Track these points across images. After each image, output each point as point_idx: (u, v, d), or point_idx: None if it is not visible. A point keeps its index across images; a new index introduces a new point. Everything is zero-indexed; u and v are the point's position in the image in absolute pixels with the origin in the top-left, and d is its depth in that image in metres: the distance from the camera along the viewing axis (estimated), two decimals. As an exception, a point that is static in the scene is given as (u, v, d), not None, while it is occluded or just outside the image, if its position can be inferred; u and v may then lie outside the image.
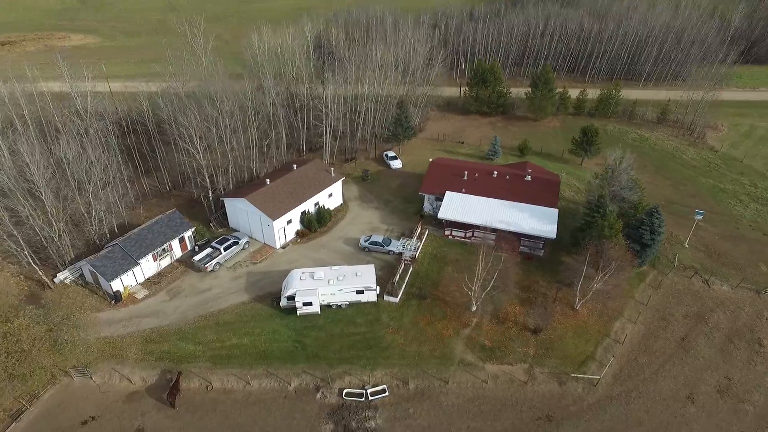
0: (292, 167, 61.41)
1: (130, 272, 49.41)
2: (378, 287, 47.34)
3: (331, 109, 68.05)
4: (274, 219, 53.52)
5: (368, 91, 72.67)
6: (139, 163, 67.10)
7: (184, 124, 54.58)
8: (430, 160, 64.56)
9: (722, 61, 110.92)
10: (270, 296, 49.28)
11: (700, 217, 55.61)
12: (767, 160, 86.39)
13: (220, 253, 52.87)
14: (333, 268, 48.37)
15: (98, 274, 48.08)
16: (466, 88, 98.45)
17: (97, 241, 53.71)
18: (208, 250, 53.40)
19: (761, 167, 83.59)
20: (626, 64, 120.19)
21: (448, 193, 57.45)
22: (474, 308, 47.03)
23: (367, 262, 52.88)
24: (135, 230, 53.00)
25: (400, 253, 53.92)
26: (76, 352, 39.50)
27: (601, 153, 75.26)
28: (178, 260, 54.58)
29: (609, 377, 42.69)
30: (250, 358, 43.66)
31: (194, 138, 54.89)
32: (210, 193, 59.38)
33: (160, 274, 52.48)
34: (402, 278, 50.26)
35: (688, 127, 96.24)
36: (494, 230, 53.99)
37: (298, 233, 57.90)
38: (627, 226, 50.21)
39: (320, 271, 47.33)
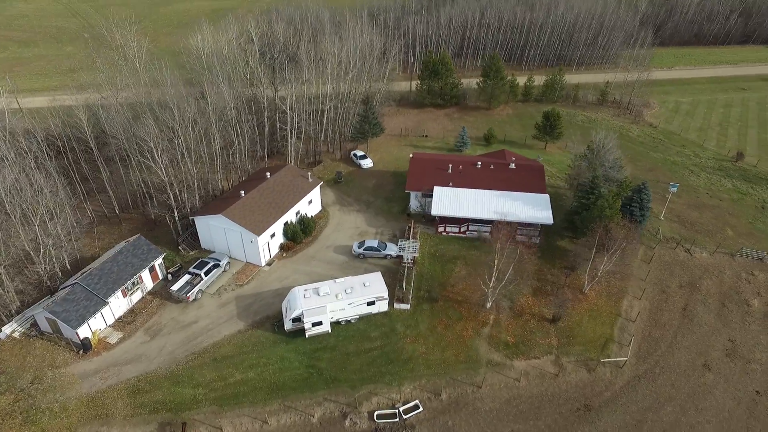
0: (266, 175, 56.23)
1: (98, 314, 42.25)
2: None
3: (295, 111, 63.34)
4: (258, 234, 48.42)
5: (330, 90, 68.64)
6: (80, 186, 58.36)
7: (142, 137, 47.67)
8: (410, 155, 62.06)
9: (641, 44, 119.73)
10: (268, 320, 44.43)
11: (674, 189, 57.97)
12: (699, 131, 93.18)
13: (201, 279, 46.93)
14: (338, 280, 44.47)
15: (59, 322, 40.56)
16: (418, 82, 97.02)
17: (49, 283, 45.62)
18: (186, 276, 47.20)
19: (696, 139, 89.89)
20: (559, 51, 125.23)
21: (437, 189, 55.32)
22: (489, 305, 45.32)
23: (365, 270, 49.50)
24: (95, 264, 45.65)
25: (398, 257, 51.07)
26: (56, 422, 32.59)
27: (563, 137, 77.26)
28: (150, 293, 47.78)
29: (632, 357, 42.79)
30: (261, 393, 38.79)
31: (155, 152, 48.16)
32: (175, 213, 52.68)
33: (132, 312, 45.57)
34: (408, 282, 47.43)
35: (626, 107, 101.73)
36: (489, 222, 52.72)
37: (282, 247, 53.06)
38: (617, 204, 50.98)
39: (325, 286, 43.26)
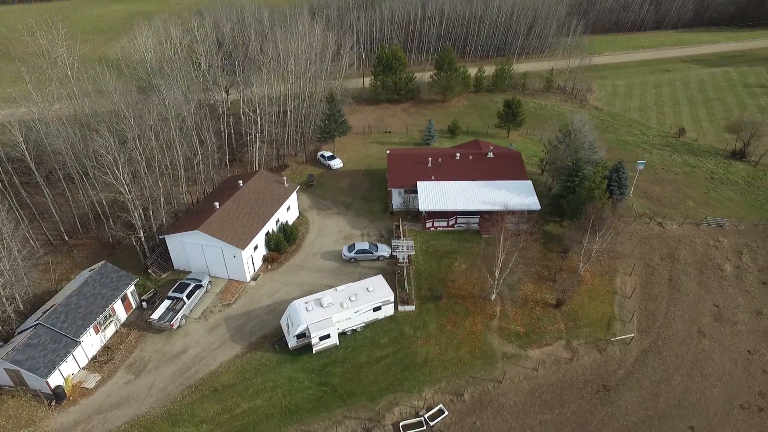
0: (238, 184, 52.10)
1: (69, 357, 36.80)
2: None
3: (258, 114, 59.37)
4: (243, 248, 44.56)
5: (291, 90, 65.11)
6: (18, 213, 51.09)
7: (99, 152, 42.16)
8: (387, 152, 60.14)
9: (573, 33, 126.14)
10: (266, 340, 40.93)
11: (641, 166, 60.33)
12: (640, 111, 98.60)
13: (184, 303, 42.40)
14: (339, 288, 41.75)
15: (24, 371, 34.81)
16: (372, 78, 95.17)
17: (1, 328, 39.22)
18: (166, 302, 42.45)
19: (639, 118, 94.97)
20: (498, 42, 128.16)
21: (420, 184, 53.85)
22: (493, 297, 44.52)
23: (359, 274, 47.15)
24: (58, 299, 39.88)
25: (391, 257, 49.10)
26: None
27: (525, 124, 78.72)
28: (124, 325, 42.55)
29: (635, 332, 43.65)
30: (274, 421, 35.44)
31: (115, 166, 42.82)
32: (141, 233, 47.38)
33: (108, 349, 40.27)
34: (409, 282, 45.61)
35: (570, 92, 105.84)
36: (477, 214, 52.13)
37: (265, 259, 49.34)
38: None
39: (327, 296, 40.42)
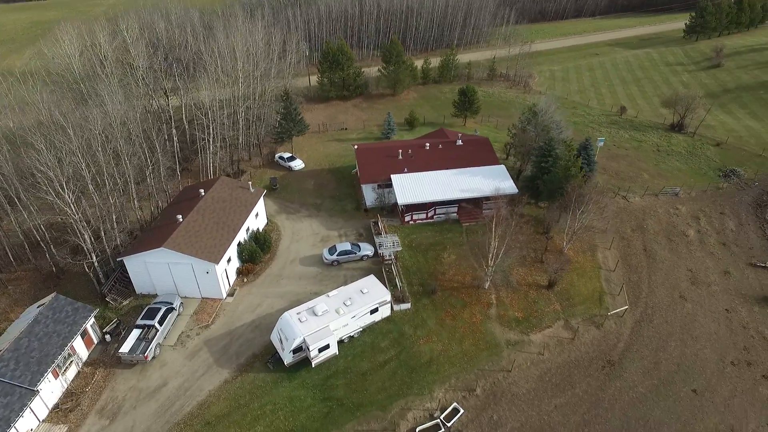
0: (199, 193, 47.50)
1: (26, 411, 31.30)
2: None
3: (210, 118, 54.74)
4: (216, 262, 40.41)
5: (241, 89, 60.77)
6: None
7: (39, 169, 36.35)
8: (355, 147, 57.55)
9: (507, 22, 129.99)
10: (257, 359, 37.30)
11: (602, 143, 61.91)
12: (580, 93, 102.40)
13: (157, 330, 37.69)
14: (331, 294, 38.81)
15: (-28, 434, 29.14)
16: (318, 75, 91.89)
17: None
18: (135, 332, 37.52)
19: (581, 100, 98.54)
20: (436, 34, 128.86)
21: (395, 177, 51.85)
22: (487, 285, 43.43)
23: (344, 277, 44.48)
24: (4, 345, 33.93)
25: (375, 255, 46.78)
26: None
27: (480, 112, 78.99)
28: (87, 364, 37.16)
29: (627, 304, 44.24)
30: (280, 447, 32.11)
31: (59, 184, 37.21)
32: (93, 257, 41.80)
33: (72, 394, 34.85)
34: (400, 280, 43.49)
35: (513, 79, 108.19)
36: (455, 203, 51.00)
37: (240, 271, 45.30)
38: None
39: (321, 304, 37.38)
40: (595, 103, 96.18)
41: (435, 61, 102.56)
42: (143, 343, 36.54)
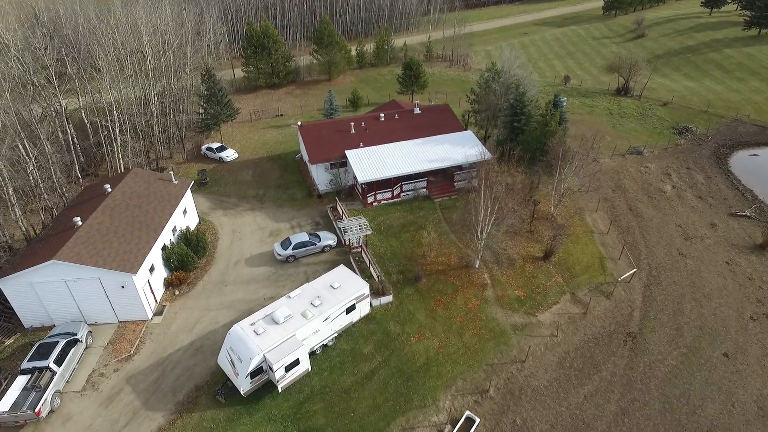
0: (104, 190, 36.88)
1: None
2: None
3: (117, 109, 44.02)
4: (134, 271, 30.38)
5: (151, 66, 50.22)
6: None
7: None
8: (298, 124, 48.87)
9: (436, 9, 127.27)
10: (202, 392, 27.86)
11: (565, 102, 57.70)
12: (518, 69, 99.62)
13: (54, 374, 27.10)
14: (293, 295, 30.05)
15: None
16: (243, 63, 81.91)
17: None
18: (20, 380, 26.71)
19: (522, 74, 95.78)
20: (365, 20, 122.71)
21: (350, 153, 43.92)
22: (477, 264, 36.58)
23: (305, 274, 35.95)
24: None
25: (339, 244, 38.62)
26: None
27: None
28: (-51, 435, 25.85)
29: (628, 267, 39.22)
30: None
31: None
32: (-46, 286, 30.22)
33: None
34: (375, 269, 35.53)
35: (451, 59, 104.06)
36: (423, 176, 44.04)
37: (169, 283, 35.27)
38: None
39: (281, 308, 28.54)
40: (537, 77, 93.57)
41: (369, 47, 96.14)
42: (33, 394, 25.87)
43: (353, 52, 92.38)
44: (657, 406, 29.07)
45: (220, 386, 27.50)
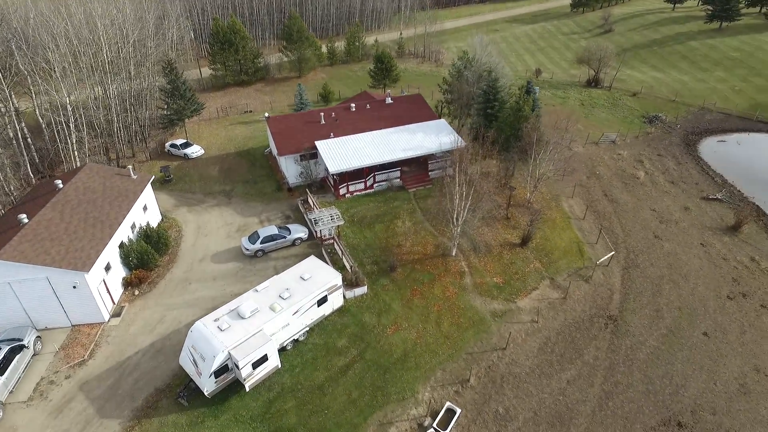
0: (55, 186, 34.40)
1: None
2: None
3: (72, 105, 41.50)
4: (87, 269, 28.18)
5: (107, 58, 47.72)
6: None
7: None
8: (266, 115, 47.04)
9: (407, 8, 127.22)
10: (163, 395, 25.89)
11: (538, 91, 57.25)
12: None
13: (-5, 383, 24.75)
14: (260, 288, 28.27)
15: None
16: (209, 61, 79.46)
17: None
18: (-42, 392, 24.29)
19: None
20: (336, 19, 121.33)
21: (320, 144, 42.35)
22: (454, 252, 35.46)
23: (275, 269, 34.17)
24: None
25: (311, 237, 37.02)
26: None
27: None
28: None
29: (606, 251, 38.70)
30: None
31: None
32: None
33: None
34: (348, 260, 34.01)
35: (423, 55, 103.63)
36: (396, 167, 42.84)
37: (128, 282, 33.02)
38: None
39: (248, 302, 26.74)
40: (508, 71, 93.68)
41: (340, 45, 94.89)
42: (-29, 407, 23.49)
43: (324, 50, 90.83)
44: (640, 387, 28.35)
45: (182, 388, 25.53)
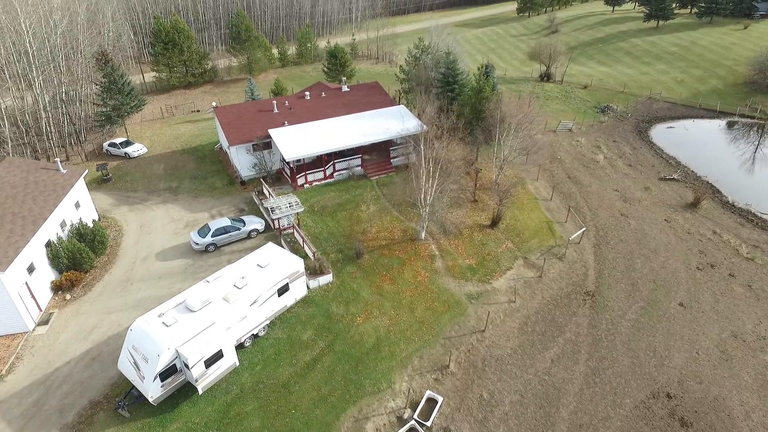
0: (-34, 181, 29.96)
1: None
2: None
3: None
4: (2, 269, 24.08)
5: (33, 57, 43.21)
6: None
7: None
8: (213, 105, 43.79)
9: (356, 15, 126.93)
10: (100, 408, 22.17)
11: (495, 75, 56.94)
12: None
13: None
14: (211, 279, 25.05)
15: None
16: (152, 61, 74.92)
17: None
18: None
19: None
20: (286, 24, 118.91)
21: (273, 132, 39.56)
22: (423, 235, 33.45)
23: (229, 263, 30.77)
24: None
25: (268, 228, 34.06)
26: None
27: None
28: None
29: (576, 229, 37.85)
30: None
31: None
32: None
33: None
34: (309, 247, 31.26)
35: (377, 57, 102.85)
36: (357, 155, 40.69)
37: (58, 286, 28.86)
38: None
39: (197, 293, 23.48)
40: (465, 58, 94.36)
41: (291, 49, 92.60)
42: None
43: (275, 53, 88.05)
44: (626, 361, 27.06)
45: (123, 397, 21.90)
